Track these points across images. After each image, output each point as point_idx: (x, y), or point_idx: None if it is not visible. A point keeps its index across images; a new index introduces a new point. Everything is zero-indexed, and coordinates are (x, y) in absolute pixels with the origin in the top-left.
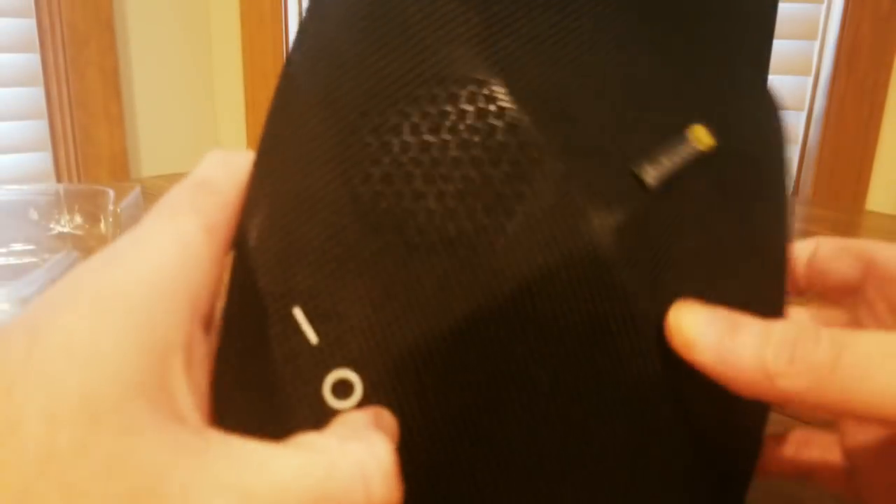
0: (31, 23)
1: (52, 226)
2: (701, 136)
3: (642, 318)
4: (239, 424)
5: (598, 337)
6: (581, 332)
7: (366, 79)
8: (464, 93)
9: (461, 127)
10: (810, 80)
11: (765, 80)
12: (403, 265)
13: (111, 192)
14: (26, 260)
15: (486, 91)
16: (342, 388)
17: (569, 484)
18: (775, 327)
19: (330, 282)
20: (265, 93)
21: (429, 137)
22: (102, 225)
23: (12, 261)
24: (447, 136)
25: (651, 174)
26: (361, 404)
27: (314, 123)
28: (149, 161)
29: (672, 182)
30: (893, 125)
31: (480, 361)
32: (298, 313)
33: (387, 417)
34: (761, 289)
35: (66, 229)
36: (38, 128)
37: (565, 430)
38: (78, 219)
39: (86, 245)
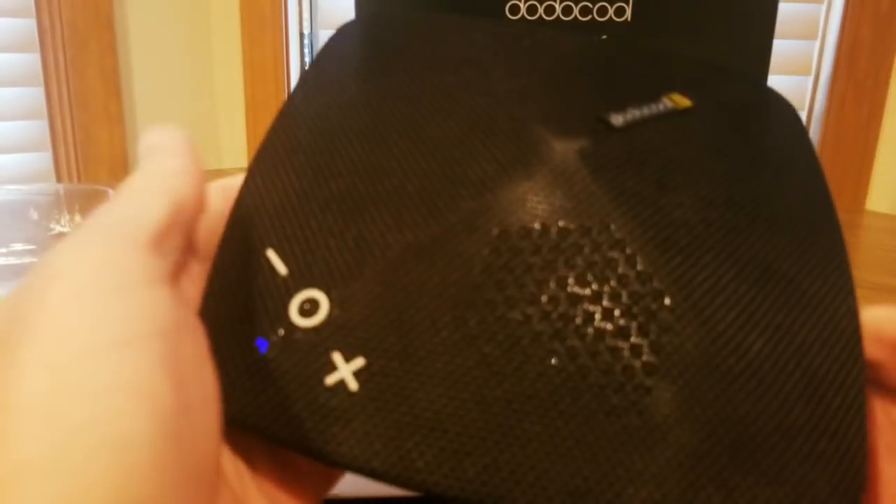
0: (31, 23)
1: (52, 226)
2: (677, 100)
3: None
4: (224, 346)
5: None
6: None
7: None
8: None
9: None
10: (810, 80)
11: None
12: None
13: (111, 192)
14: (26, 260)
15: None
16: (308, 308)
17: None
18: None
19: (300, 226)
20: (265, 93)
21: None
22: None
23: (12, 261)
24: None
25: (617, 118)
26: (328, 321)
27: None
28: None
29: (645, 126)
30: (893, 125)
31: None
32: (271, 253)
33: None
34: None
35: (66, 229)
36: (38, 128)
37: None
38: (78, 219)
39: None
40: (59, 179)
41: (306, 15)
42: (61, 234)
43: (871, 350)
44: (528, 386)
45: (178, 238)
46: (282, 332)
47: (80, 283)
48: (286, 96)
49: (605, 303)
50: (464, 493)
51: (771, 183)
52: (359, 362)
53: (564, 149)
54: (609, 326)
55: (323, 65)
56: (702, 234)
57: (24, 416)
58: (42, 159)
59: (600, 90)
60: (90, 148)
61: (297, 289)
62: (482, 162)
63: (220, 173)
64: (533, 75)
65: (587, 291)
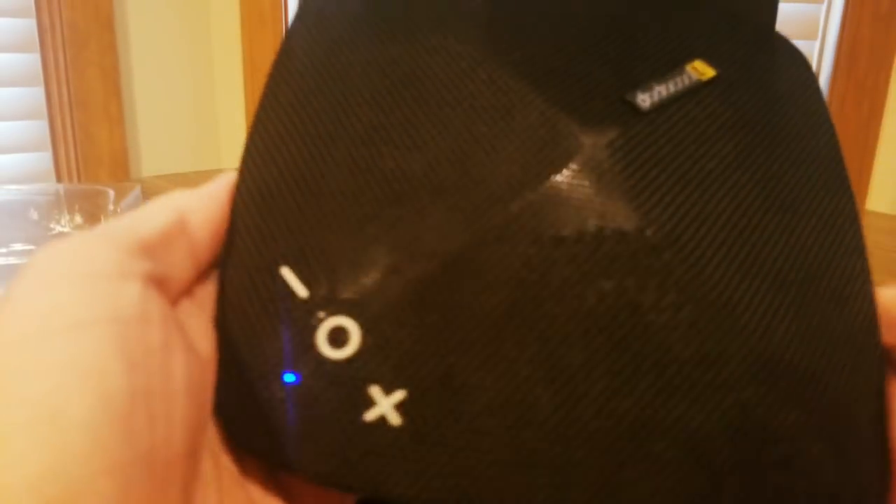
0: (31, 23)
1: (52, 226)
2: (700, 69)
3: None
4: (246, 380)
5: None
6: None
7: None
8: None
9: None
10: None
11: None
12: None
13: (111, 192)
14: (26, 260)
15: None
16: (337, 337)
17: None
18: None
19: (316, 238)
20: None
21: None
22: None
23: (12, 261)
24: None
25: (645, 100)
26: (362, 352)
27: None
28: (149, 161)
29: (669, 106)
30: (893, 125)
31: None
32: (286, 272)
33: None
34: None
35: (66, 229)
36: (38, 128)
37: None
38: (78, 219)
39: None
40: (59, 179)
41: None
42: (61, 234)
43: (886, 335)
44: (585, 410)
45: (177, 252)
46: (310, 364)
47: (47, 271)
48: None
49: (656, 315)
50: None
51: (801, 168)
52: (399, 395)
53: (593, 143)
54: (672, 336)
55: (307, 30)
56: (742, 232)
57: None
58: (42, 159)
59: (618, 58)
60: (90, 148)
61: (323, 315)
62: (507, 163)
63: (219, 173)
64: (545, 41)
65: (635, 299)
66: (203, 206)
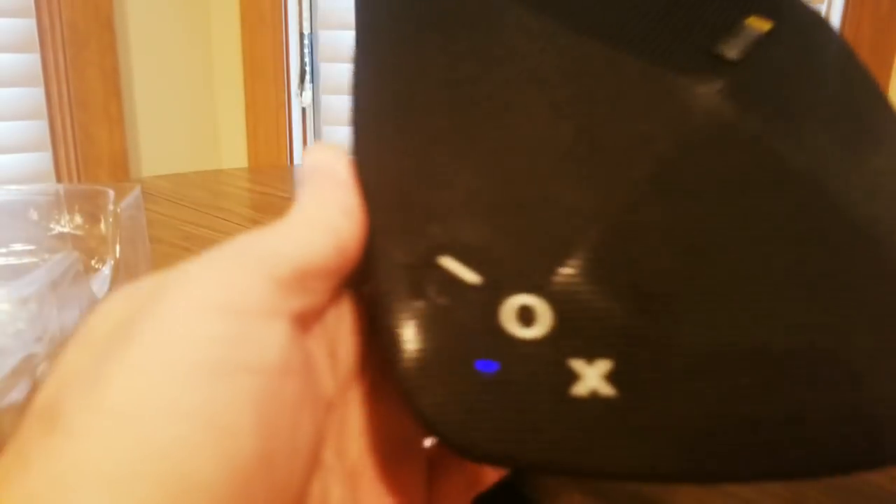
0: (31, 23)
1: (52, 226)
2: (757, 23)
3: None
4: (433, 379)
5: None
6: None
7: None
8: None
9: None
10: None
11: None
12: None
13: (111, 192)
14: (26, 260)
15: None
16: (524, 315)
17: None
18: None
19: (468, 222)
20: (265, 93)
21: None
22: (102, 225)
23: (12, 261)
24: None
25: (730, 50)
26: (555, 327)
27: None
28: (149, 161)
29: (751, 54)
30: None
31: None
32: (448, 261)
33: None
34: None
35: (66, 229)
36: (38, 128)
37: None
38: (78, 219)
39: (86, 245)
40: (59, 179)
41: (306, 15)
42: (61, 234)
43: None
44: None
45: (328, 282)
46: (505, 348)
47: (194, 299)
48: (288, 93)
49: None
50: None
51: (859, 103)
52: (605, 365)
53: (707, 92)
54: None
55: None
56: (847, 149)
57: (106, 421)
58: (42, 159)
59: (684, 20)
60: (90, 148)
61: (503, 297)
62: (635, 123)
63: (219, 173)
64: (608, 9)
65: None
66: (357, 232)
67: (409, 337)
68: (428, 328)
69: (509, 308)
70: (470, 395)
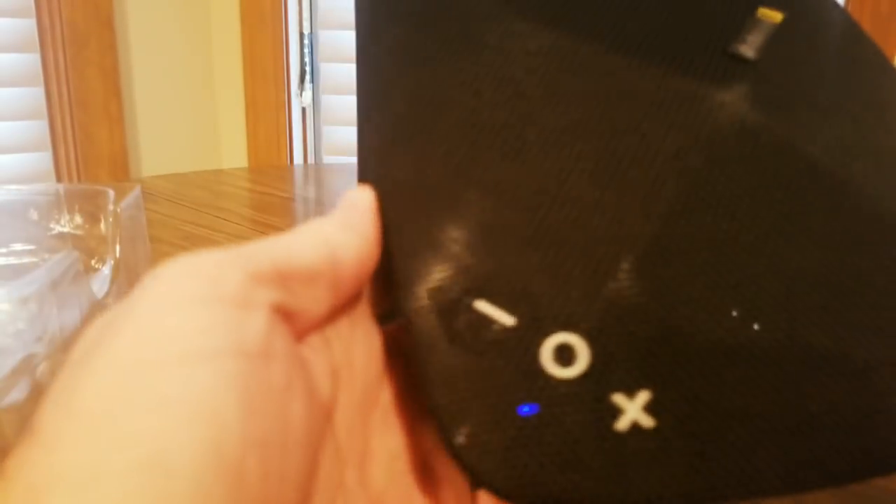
0: (31, 23)
1: (52, 226)
2: (769, 14)
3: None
4: (480, 421)
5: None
6: None
7: None
8: None
9: None
10: None
11: None
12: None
13: (111, 192)
14: (26, 260)
15: None
16: (563, 355)
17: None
18: None
19: (498, 263)
20: (265, 93)
21: None
22: (102, 225)
23: (12, 261)
24: None
25: (748, 50)
26: (594, 363)
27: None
28: (149, 161)
29: (768, 50)
30: None
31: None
32: (483, 305)
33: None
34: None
35: (66, 229)
36: (38, 128)
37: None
38: (78, 219)
39: (86, 245)
40: (59, 179)
41: (306, 14)
42: (61, 234)
43: None
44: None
45: (316, 289)
46: (545, 390)
47: (171, 292)
48: (288, 93)
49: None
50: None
51: (875, 83)
52: (644, 396)
53: (732, 99)
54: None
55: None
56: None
57: (76, 422)
58: (42, 159)
59: (694, 17)
60: (90, 148)
61: (540, 338)
62: (663, 139)
63: (219, 173)
64: (610, 14)
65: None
66: (355, 245)
67: (450, 392)
68: (468, 379)
69: (547, 349)
70: (517, 442)
